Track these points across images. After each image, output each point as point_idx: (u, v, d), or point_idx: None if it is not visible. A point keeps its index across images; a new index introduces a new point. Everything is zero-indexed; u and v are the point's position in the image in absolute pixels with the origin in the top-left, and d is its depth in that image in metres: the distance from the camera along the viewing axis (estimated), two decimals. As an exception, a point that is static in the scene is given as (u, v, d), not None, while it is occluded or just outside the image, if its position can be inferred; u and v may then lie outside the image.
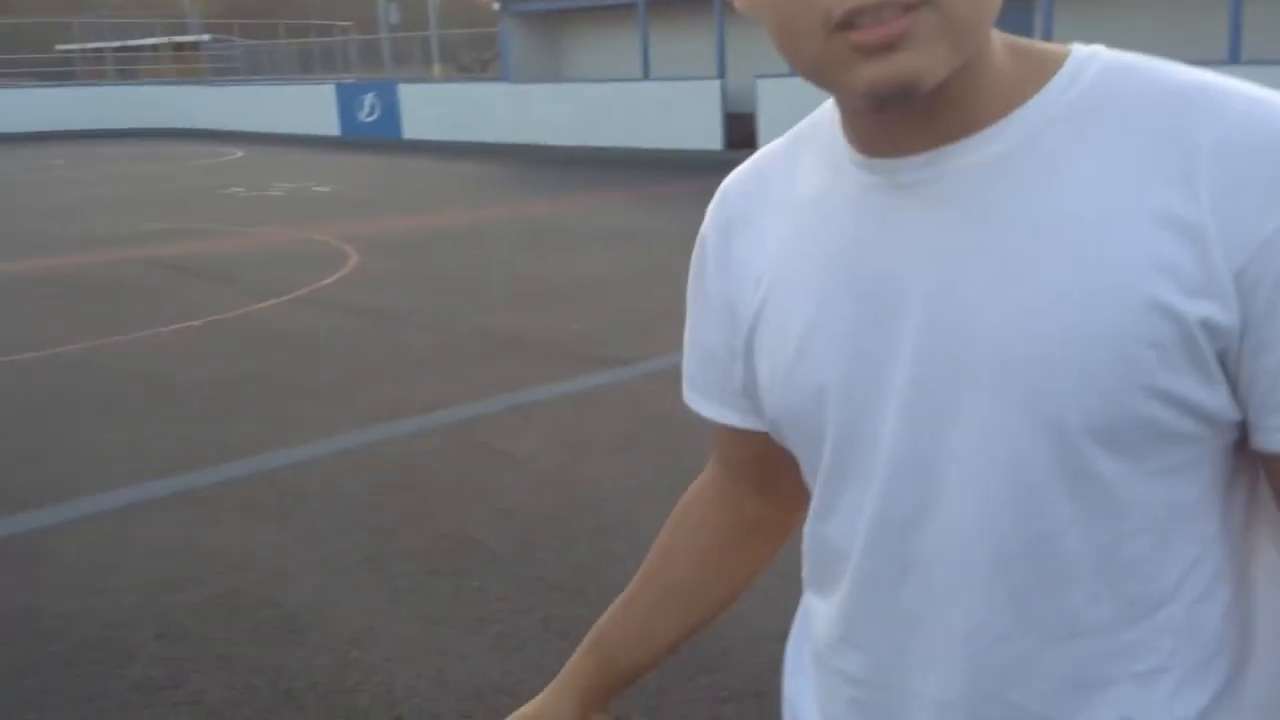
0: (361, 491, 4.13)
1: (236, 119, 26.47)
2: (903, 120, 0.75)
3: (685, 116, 17.51)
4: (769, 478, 1.01)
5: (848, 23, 0.67)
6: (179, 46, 38.22)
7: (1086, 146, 0.73)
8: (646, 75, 18.43)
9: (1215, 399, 0.73)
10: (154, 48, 37.79)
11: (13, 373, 5.93)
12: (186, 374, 5.76)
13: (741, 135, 16.27)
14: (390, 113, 22.52)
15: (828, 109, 0.85)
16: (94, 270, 8.99)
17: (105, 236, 10.77)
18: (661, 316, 6.73)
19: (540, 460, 4.38)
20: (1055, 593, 0.78)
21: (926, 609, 0.82)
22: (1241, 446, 0.77)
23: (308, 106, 24.71)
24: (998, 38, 0.76)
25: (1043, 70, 0.76)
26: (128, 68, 35.96)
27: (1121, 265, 0.70)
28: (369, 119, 23.00)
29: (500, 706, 2.70)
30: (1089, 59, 0.76)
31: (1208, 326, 0.70)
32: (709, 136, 17.16)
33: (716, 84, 17.25)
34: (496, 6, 21.30)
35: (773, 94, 15.52)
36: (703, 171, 17.22)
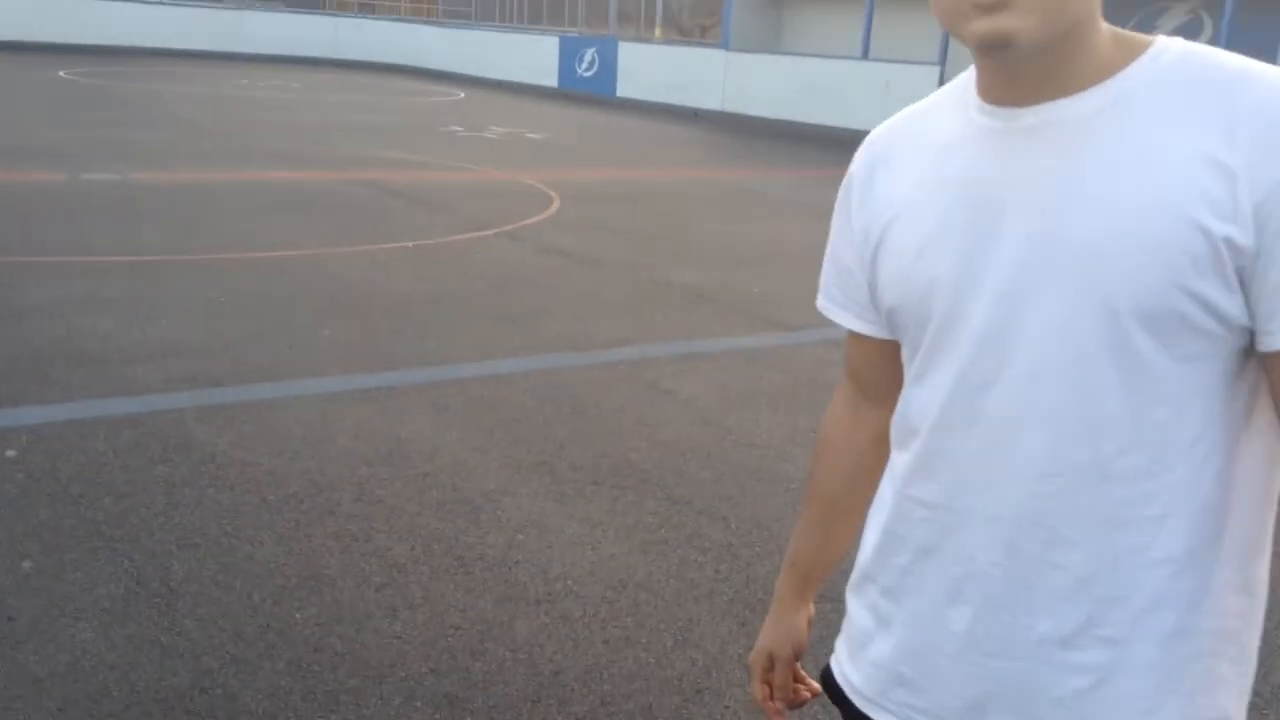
0: (540, 408, 4.55)
1: (463, 61, 27.58)
2: (1019, 78, 1.01)
3: (901, 100, 17.30)
4: (884, 383, 1.24)
5: None
6: (417, -14, 39.81)
7: (1156, 108, 0.97)
8: (866, 55, 18.38)
9: (1232, 305, 0.96)
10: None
11: (252, 268, 6.62)
12: (395, 287, 6.33)
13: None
14: (608, 69, 23.08)
15: (963, 77, 1.11)
16: (325, 186, 9.77)
17: (336, 158, 11.61)
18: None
19: (701, 403, 4.71)
20: (1093, 442, 1.01)
21: (989, 450, 1.06)
22: (1249, 350, 1.00)
23: (530, 55, 25.54)
24: (1107, 29, 1.01)
25: (1132, 52, 1.01)
26: (368, 1, 37.76)
27: (1172, 192, 0.94)
28: (587, 73, 23.64)
29: (639, 600, 3.07)
30: (1167, 47, 1.01)
31: (1230, 245, 0.94)
32: (919, 123, 17.02)
33: (936, 70, 17.08)
34: (724, -27, 21.53)
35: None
36: (908, 158, 17.05)
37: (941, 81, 16.78)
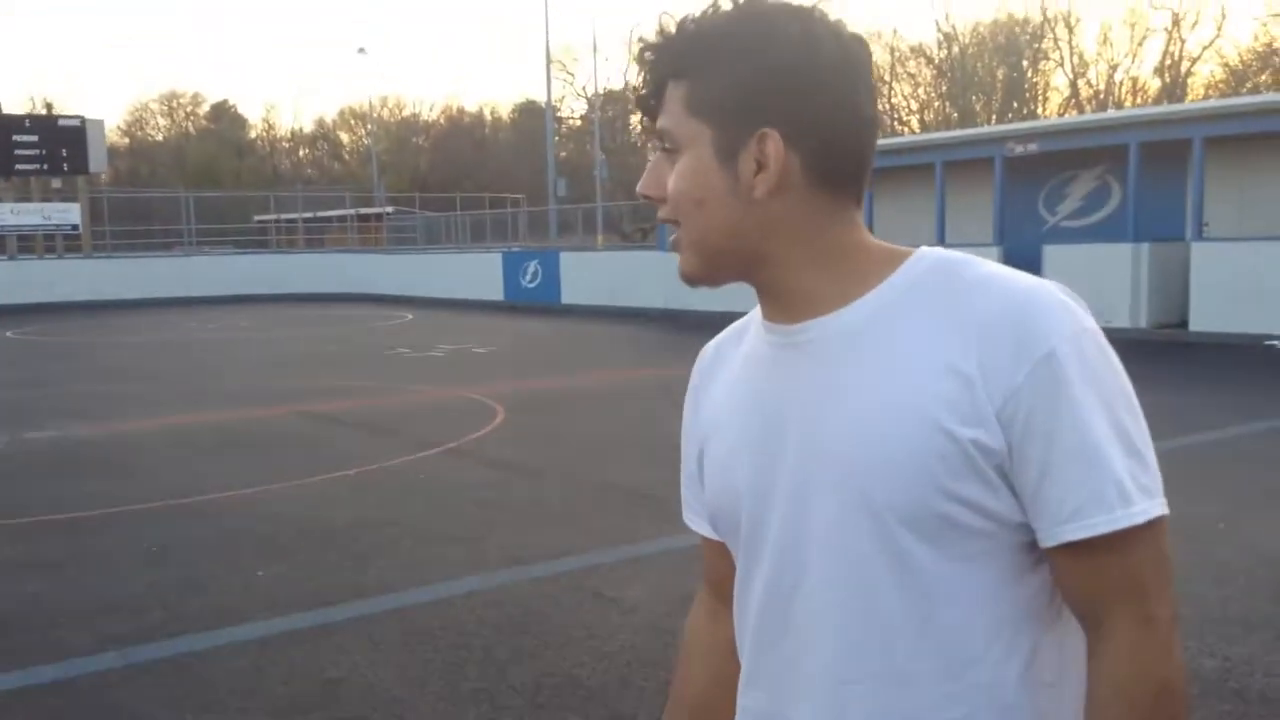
0: (481, 630, 4.42)
1: (411, 284, 28.19)
2: (779, 299, 1.10)
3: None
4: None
5: None
6: (364, 218, 41.09)
7: (908, 320, 1.03)
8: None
9: (999, 503, 1.00)
10: (341, 219, 40.70)
11: (189, 515, 6.51)
12: (335, 518, 6.24)
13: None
14: (551, 279, 23.65)
15: None
16: (267, 423, 9.76)
17: (279, 392, 11.64)
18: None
19: (645, 609, 4.60)
20: (884, 649, 1.04)
21: (799, 657, 1.10)
22: (1033, 553, 1.03)
23: (476, 273, 26.18)
24: (874, 244, 1.08)
25: (891, 265, 1.08)
26: (316, 237, 38.77)
27: (917, 399, 1.00)
28: (531, 284, 24.19)
29: (578, 831, 2.90)
30: (922, 256, 1.08)
31: (979, 446, 0.98)
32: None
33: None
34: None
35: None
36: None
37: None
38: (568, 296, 23.12)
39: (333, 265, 31.32)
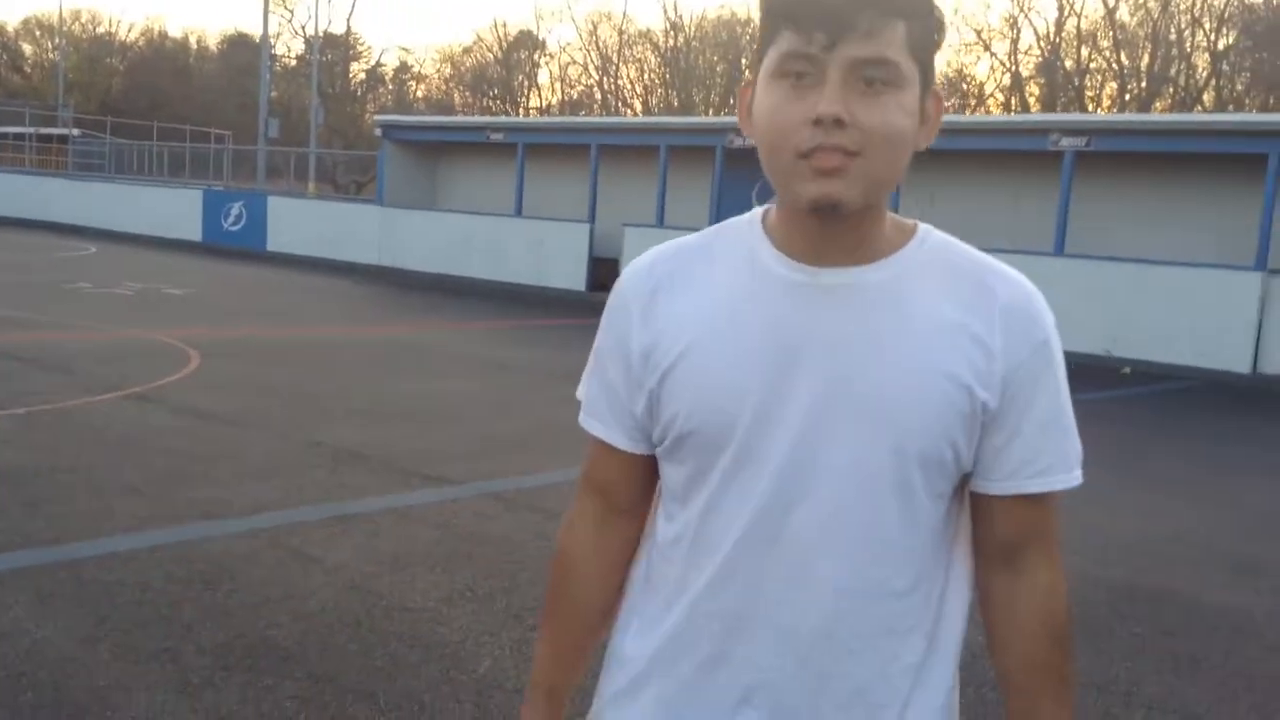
0: (166, 587, 4.09)
1: (96, 215, 25.96)
2: (829, 239, 1.17)
3: (553, 256, 17.95)
4: (635, 496, 1.33)
5: (809, 153, 1.10)
6: (45, 138, 37.48)
7: (930, 285, 1.19)
8: (520, 212, 18.88)
9: (969, 454, 1.20)
10: (19, 137, 36.95)
11: None
12: (2, 459, 5.61)
13: (604, 278, 16.74)
14: (257, 223, 22.43)
15: (737, 225, 1.26)
16: (-82, 351, 8.68)
17: (-64, 318, 10.41)
18: (507, 443, 6.86)
19: (350, 569, 4.41)
20: (879, 565, 1.20)
21: (789, 568, 1.20)
22: (959, 490, 1.24)
23: (172, 209, 24.44)
24: (887, 213, 1.21)
25: (904, 234, 1.22)
26: (-12, 154, 35.00)
27: (946, 358, 1.16)
28: (234, 227, 22.85)
29: (272, 800, 2.71)
30: (929, 233, 1.23)
31: (985, 408, 1.18)
32: (574, 277, 17.60)
33: (586, 227, 17.79)
34: (378, 132, 21.67)
35: (638, 241, 16.07)
36: (565, 310, 17.66)
37: (591, 240, 17.61)
38: (274, 244, 21.99)
39: (5, 186, 28.37)
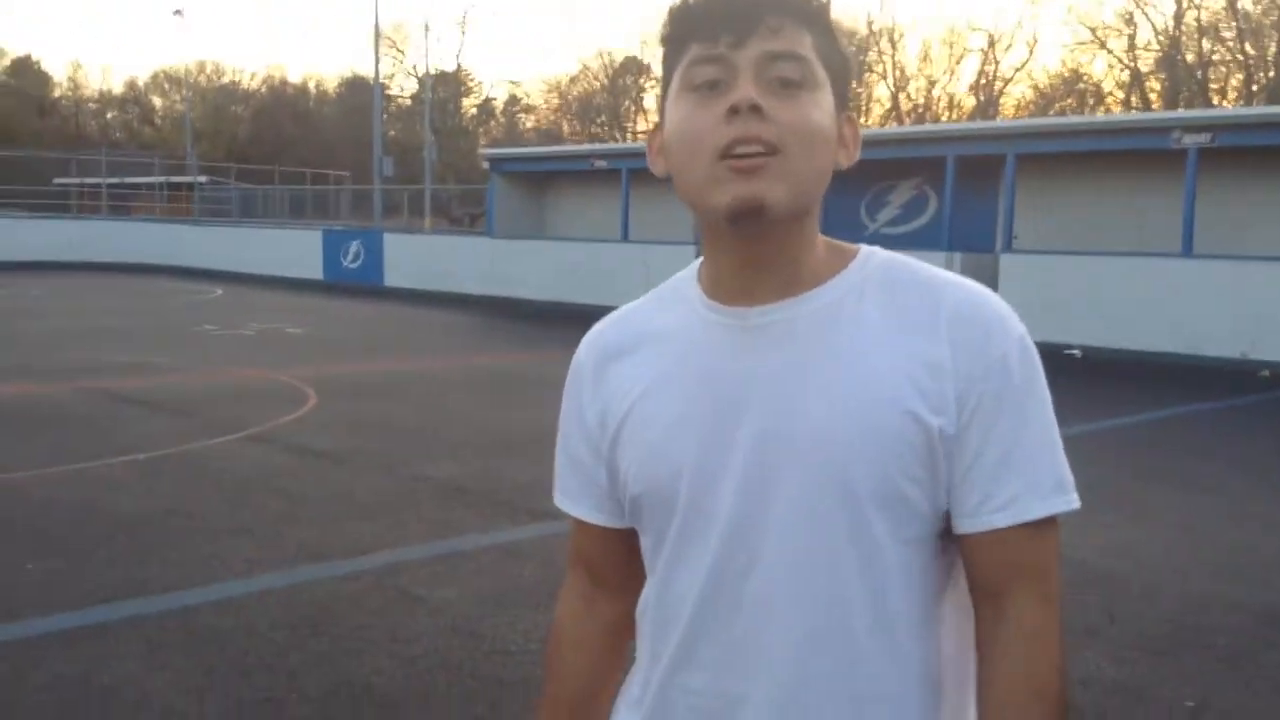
0: (274, 632, 4.10)
1: (223, 259, 26.89)
2: (754, 275, 1.10)
3: (660, 279, 17.84)
4: (620, 573, 1.26)
5: (729, 152, 1.02)
6: (175, 186, 39.07)
7: (871, 308, 1.09)
8: (626, 237, 18.91)
9: (938, 491, 1.07)
10: (150, 186, 38.60)
11: (-53, 497, 5.91)
12: (118, 507, 5.75)
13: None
14: (374, 260, 22.95)
15: (680, 278, 1.22)
16: (49, 399, 9.03)
17: (67, 367, 10.82)
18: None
19: (455, 609, 4.37)
20: (845, 626, 1.08)
21: (753, 635, 1.10)
22: (946, 534, 1.10)
23: (294, 250, 25.16)
24: (821, 238, 1.14)
25: (843, 258, 1.14)
26: (121, 204, 36.63)
27: (890, 386, 1.05)
28: (352, 265, 23.42)
29: None
30: (872, 253, 1.14)
31: (941, 434, 1.05)
32: (682, 299, 17.50)
33: (691, 249, 17.71)
34: (486, 166, 21.99)
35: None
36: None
37: (698, 256, 17.47)
38: (391, 279, 22.45)
39: (137, 234, 29.60)
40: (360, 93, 55.27)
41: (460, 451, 7.34)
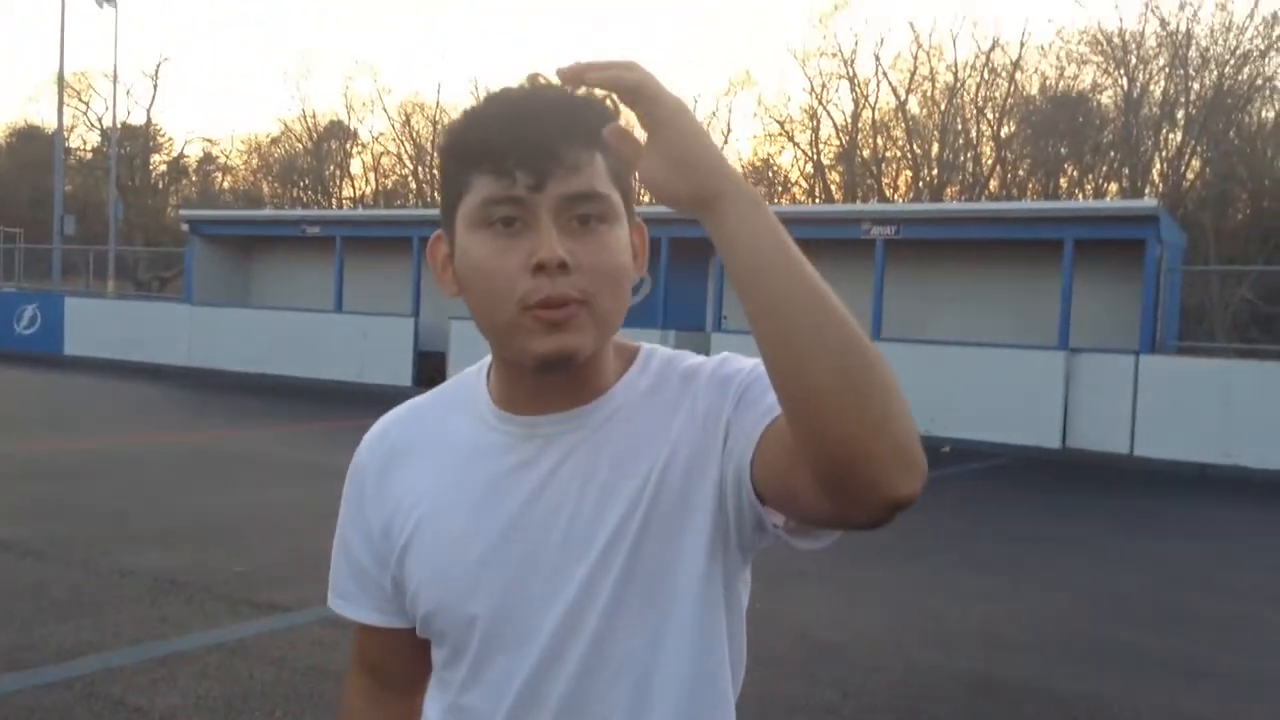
0: (-36, 758, 3.63)
1: None
2: (547, 389, 1.10)
3: (377, 352, 17.49)
4: (407, 672, 1.25)
5: (534, 306, 1.02)
6: None
7: (649, 407, 1.13)
8: (340, 308, 18.38)
9: (749, 530, 1.10)
10: None
11: None
12: None
13: (431, 373, 16.40)
14: (53, 326, 21.14)
15: (467, 378, 1.19)
16: None
17: None
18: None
19: (179, 719, 4.03)
20: (675, 699, 1.11)
21: None
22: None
23: (-43, 313, 22.79)
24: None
25: (625, 359, 1.16)
26: None
27: (662, 474, 1.09)
28: (27, 331, 21.48)
29: None
30: (651, 354, 1.17)
31: (723, 478, 1.08)
32: (399, 374, 17.17)
33: (410, 321, 17.44)
34: (185, 228, 20.87)
35: (463, 336, 15.85)
36: (390, 406, 17.09)
37: (416, 334, 17.25)
38: (73, 347, 20.73)
39: None
40: (35, 144, 51.15)
41: (167, 539, 6.81)
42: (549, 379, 1.08)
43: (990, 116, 37.90)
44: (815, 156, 43.11)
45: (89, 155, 53.33)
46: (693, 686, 1.11)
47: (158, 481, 8.93)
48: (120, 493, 8.33)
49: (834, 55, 40.53)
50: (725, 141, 45.89)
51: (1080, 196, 33.15)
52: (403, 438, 1.19)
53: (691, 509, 1.08)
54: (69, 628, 5.00)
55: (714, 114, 44.49)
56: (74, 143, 51.38)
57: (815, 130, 42.69)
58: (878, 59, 40.64)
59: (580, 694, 1.09)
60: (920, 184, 40.62)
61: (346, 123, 49.60)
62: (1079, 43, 34.53)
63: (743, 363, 1.12)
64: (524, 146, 1.00)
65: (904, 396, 0.94)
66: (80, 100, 51.29)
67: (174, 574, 5.98)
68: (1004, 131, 37.79)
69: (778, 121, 43.68)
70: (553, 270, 1.00)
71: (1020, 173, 38.12)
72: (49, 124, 47.19)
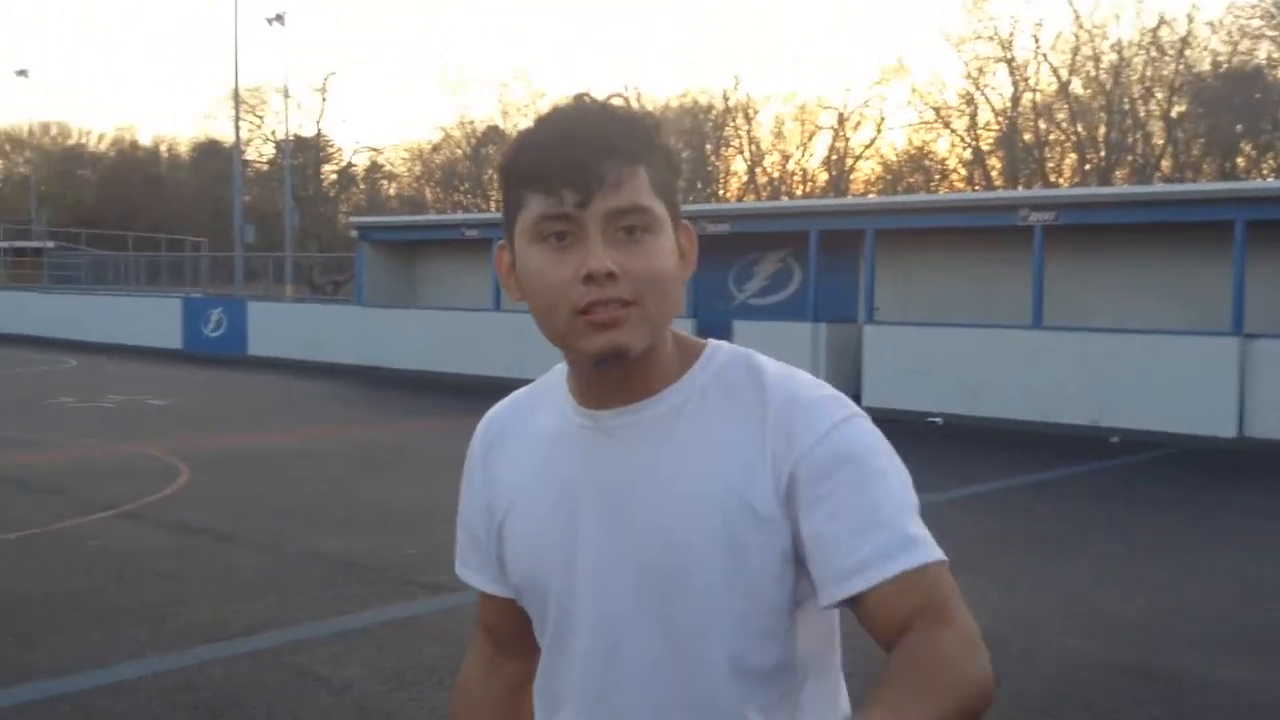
0: (175, 715, 4.01)
1: (73, 327, 25.83)
2: (608, 384, 1.18)
3: (535, 350, 17.91)
4: (519, 639, 1.33)
5: (586, 309, 1.10)
6: (19, 252, 37.50)
7: (714, 408, 1.18)
8: (498, 307, 18.96)
9: (792, 580, 1.15)
10: (-8, 251, 36.95)
11: None
12: (-7, 590, 5.53)
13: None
14: (237, 328, 22.42)
15: (558, 372, 1.28)
16: (-98, 477, 8.58)
17: (-82, 442, 10.30)
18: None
19: (357, 688, 4.34)
20: (707, 688, 1.16)
21: (618, 712, 1.19)
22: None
23: (152, 318, 24.38)
24: (671, 335, 1.20)
25: (689, 356, 1.22)
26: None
27: (722, 480, 1.15)
28: (214, 334, 22.83)
29: None
30: (716, 350, 1.23)
31: (770, 520, 1.13)
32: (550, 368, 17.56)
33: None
34: (355, 234, 21.81)
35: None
36: (547, 401, 17.49)
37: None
38: (255, 348, 21.95)
39: (-20, 302, 28.30)
40: (214, 157, 54.16)
41: (345, 526, 7.25)
42: (607, 375, 1.16)
43: (1159, 96, 36.23)
44: (974, 142, 41.93)
45: (265, 167, 56.10)
46: (755, 683, 1.16)
47: (335, 473, 9.46)
48: (301, 483, 8.88)
49: (990, 38, 39.35)
50: (879, 132, 45.06)
51: (1259, 176, 31.39)
52: (503, 426, 1.32)
53: (760, 525, 1.13)
54: (258, 605, 5.41)
55: (865, 103, 43.67)
56: (250, 155, 54.11)
57: (973, 116, 41.51)
58: (1037, 40, 39.29)
59: (623, 680, 1.18)
60: (1086, 167, 39.12)
61: (502, 127, 50.76)
62: (1252, 17, 32.75)
63: (811, 416, 1.14)
64: (569, 167, 1.09)
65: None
66: (255, 115, 54.05)
67: (351, 557, 6.38)
68: (1175, 111, 36.07)
69: (933, 108, 42.62)
70: (601, 279, 1.09)
71: (1195, 152, 36.34)
72: (227, 138, 49.92)
